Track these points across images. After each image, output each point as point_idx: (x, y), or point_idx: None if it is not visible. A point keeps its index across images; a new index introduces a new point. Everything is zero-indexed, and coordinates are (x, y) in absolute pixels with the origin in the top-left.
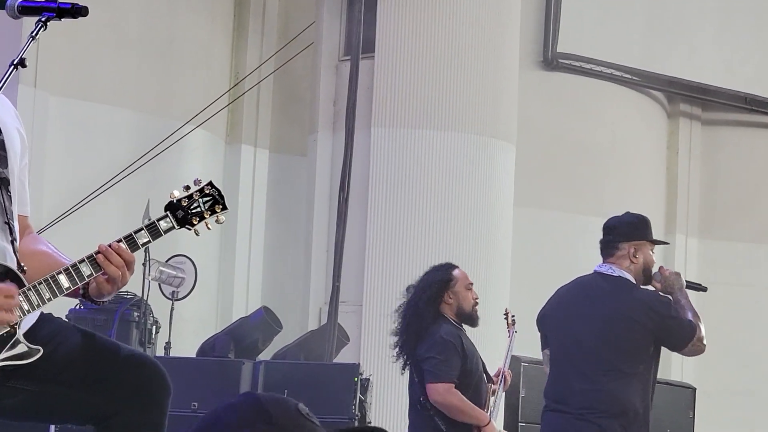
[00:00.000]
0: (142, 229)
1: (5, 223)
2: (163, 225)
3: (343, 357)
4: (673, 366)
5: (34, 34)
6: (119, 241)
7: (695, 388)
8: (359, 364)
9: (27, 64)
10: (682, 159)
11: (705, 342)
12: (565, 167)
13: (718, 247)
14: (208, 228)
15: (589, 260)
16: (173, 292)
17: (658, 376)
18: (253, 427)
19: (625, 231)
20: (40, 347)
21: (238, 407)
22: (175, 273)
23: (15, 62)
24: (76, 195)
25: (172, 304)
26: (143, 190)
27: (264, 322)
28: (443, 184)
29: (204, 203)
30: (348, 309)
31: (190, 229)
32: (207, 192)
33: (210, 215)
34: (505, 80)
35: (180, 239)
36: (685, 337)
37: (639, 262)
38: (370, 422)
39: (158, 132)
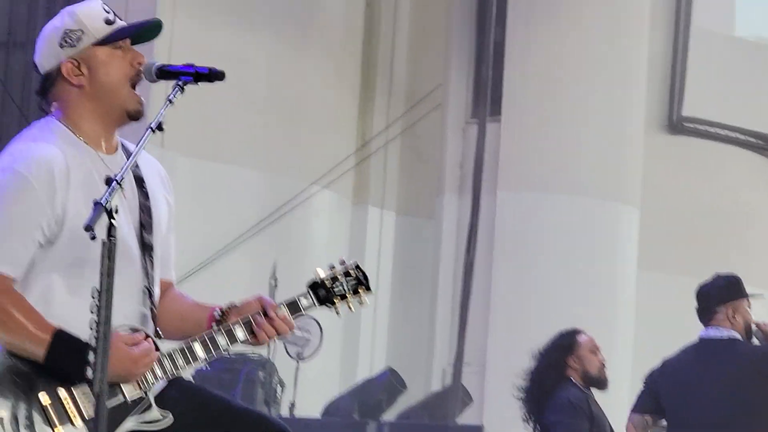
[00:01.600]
0: (282, 305)
1: (146, 287)
2: (304, 303)
3: (467, 418)
4: None
5: (171, 98)
6: (262, 314)
7: None
8: (483, 425)
9: (164, 128)
10: None
11: None
12: (690, 231)
13: None
14: (351, 309)
15: None
16: (298, 352)
17: None
18: None
19: (719, 294)
20: (170, 413)
21: None
22: (300, 333)
23: (152, 126)
24: (203, 254)
25: (297, 364)
26: (270, 250)
27: (388, 382)
28: (567, 247)
29: (348, 284)
30: (472, 370)
31: (330, 309)
32: (352, 273)
33: (353, 296)
34: (631, 144)
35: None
36: None
37: (739, 322)
38: None
39: (285, 192)
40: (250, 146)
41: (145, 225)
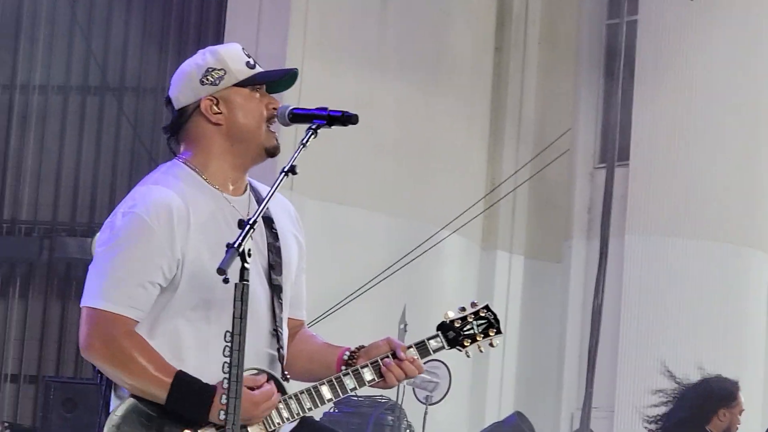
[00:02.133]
0: (411, 346)
1: (274, 330)
2: (433, 344)
3: None
4: None
5: (304, 142)
6: (390, 356)
7: None
8: None
9: (298, 171)
10: None
11: None
12: None
13: None
14: (481, 351)
15: None
16: (427, 396)
17: None
18: None
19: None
20: None
21: None
22: (429, 378)
23: (286, 169)
24: (333, 298)
25: (426, 408)
26: (399, 294)
27: (517, 427)
28: (696, 292)
29: (478, 326)
30: (600, 415)
31: (461, 351)
32: (482, 315)
33: (483, 338)
34: (760, 188)
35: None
36: None
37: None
38: None
39: (414, 237)
40: (379, 190)
41: (274, 266)
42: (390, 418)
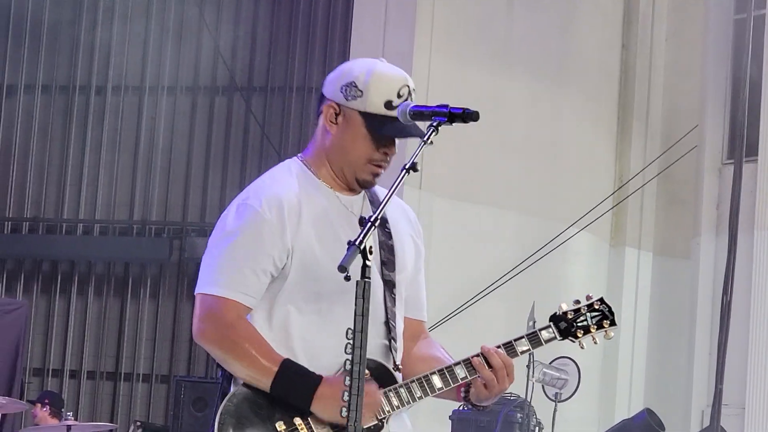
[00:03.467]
0: (523, 337)
1: (385, 322)
2: (545, 335)
3: None
4: None
5: (426, 139)
6: (498, 347)
7: None
8: None
9: (419, 168)
10: None
11: None
12: None
13: None
14: (595, 342)
15: None
16: (556, 393)
17: None
18: None
19: None
20: None
21: None
22: (558, 375)
23: (407, 166)
24: (461, 296)
25: (555, 405)
26: (526, 292)
27: (647, 424)
28: None
29: (592, 318)
30: (731, 412)
31: (574, 341)
32: (597, 308)
33: (597, 330)
34: None
35: (564, 341)
36: None
37: None
38: None
39: (542, 234)
40: (508, 188)
41: (386, 262)
42: (519, 415)
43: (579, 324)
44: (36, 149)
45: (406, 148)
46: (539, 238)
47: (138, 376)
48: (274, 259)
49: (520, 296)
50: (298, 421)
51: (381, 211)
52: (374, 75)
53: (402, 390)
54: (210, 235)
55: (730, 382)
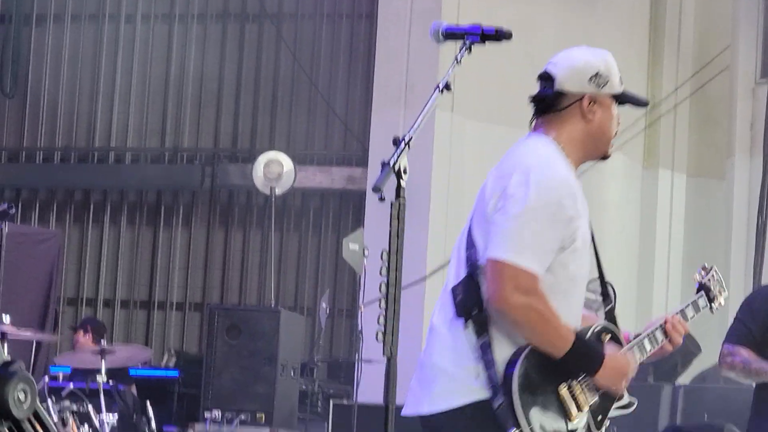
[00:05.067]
0: (688, 305)
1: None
2: (701, 303)
3: None
4: None
5: (459, 59)
6: (675, 314)
7: None
8: None
9: (452, 87)
10: None
11: (725, 370)
12: None
13: None
14: (720, 306)
15: None
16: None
17: None
18: None
19: None
20: (636, 399)
21: None
22: (594, 297)
23: (440, 86)
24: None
25: None
26: None
27: (683, 346)
28: None
29: (715, 286)
30: None
31: (712, 306)
32: (715, 277)
33: (720, 296)
34: None
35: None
36: None
37: None
38: None
39: None
40: None
41: None
42: None
43: (713, 293)
44: (66, 78)
45: (438, 69)
46: None
47: (171, 304)
48: (562, 242)
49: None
50: (575, 383)
51: (415, 129)
52: (608, 62)
53: (636, 351)
54: (241, 161)
55: None
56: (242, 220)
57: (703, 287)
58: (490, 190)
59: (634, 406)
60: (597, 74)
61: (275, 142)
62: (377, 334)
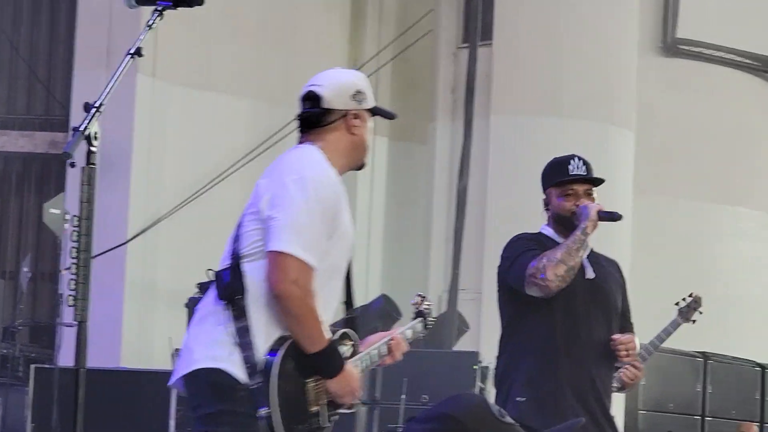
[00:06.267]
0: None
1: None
2: (419, 327)
3: (463, 345)
4: (738, 343)
5: (150, 24)
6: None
7: (764, 366)
8: (479, 351)
9: (143, 53)
10: None
11: (549, 276)
12: (686, 153)
13: None
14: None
15: (711, 246)
16: None
17: (718, 352)
18: None
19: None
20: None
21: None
22: None
23: (131, 51)
24: (196, 183)
25: None
26: None
27: (383, 310)
28: None
29: (429, 312)
30: (468, 297)
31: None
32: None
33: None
34: (624, 66)
35: None
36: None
37: (551, 212)
38: None
39: (277, 120)
40: (242, 75)
41: None
42: None
43: (428, 320)
44: None
45: (133, 35)
46: (274, 125)
47: None
48: (329, 233)
49: (255, 182)
50: (318, 378)
51: (107, 95)
52: (362, 79)
53: (367, 360)
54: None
55: (466, 267)
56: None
57: (420, 314)
58: (263, 190)
59: (356, 408)
60: (358, 92)
61: None
62: (68, 299)
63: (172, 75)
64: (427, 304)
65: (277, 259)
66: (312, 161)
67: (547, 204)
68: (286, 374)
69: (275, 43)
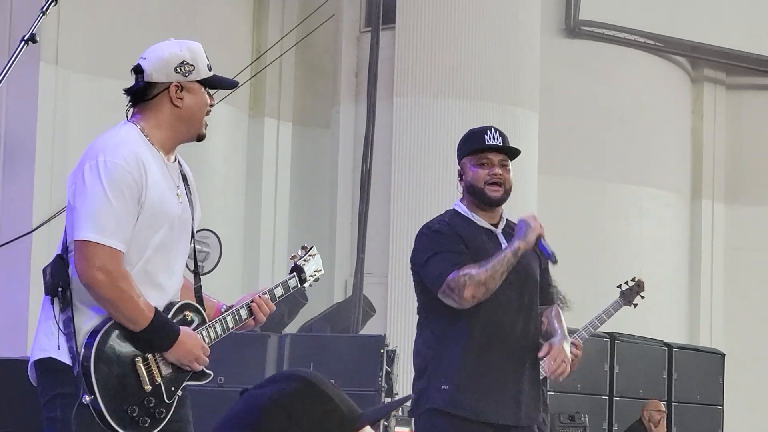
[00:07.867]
0: (270, 289)
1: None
2: (292, 283)
3: (369, 329)
4: (701, 332)
5: (44, 9)
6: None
7: (724, 354)
8: (385, 335)
9: (38, 39)
10: (707, 124)
11: (466, 296)
12: (589, 134)
13: (745, 212)
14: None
15: (615, 226)
16: (200, 266)
17: (686, 342)
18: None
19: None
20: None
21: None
22: (200, 247)
23: (26, 38)
24: None
25: (199, 278)
26: None
27: (291, 296)
28: None
29: (311, 266)
30: (373, 281)
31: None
32: (312, 254)
33: (316, 273)
34: (527, 48)
35: (204, 213)
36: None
37: (465, 182)
38: (397, 393)
39: None
40: None
41: (194, 218)
42: None
43: (305, 275)
44: None
45: (28, 22)
46: None
47: None
48: (137, 212)
49: None
50: (150, 356)
51: (14, 58)
52: (193, 50)
53: (217, 327)
54: None
55: (372, 251)
56: None
57: (296, 269)
58: (70, 182)
59: (210, 377)
60: (182, 63)
61: None
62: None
63: (75, 62)
64: (309, 256)
65: (80, 248)
66: (114, 143)
67: (461, 175)
68: (107, 359)
69: (179, 29)
